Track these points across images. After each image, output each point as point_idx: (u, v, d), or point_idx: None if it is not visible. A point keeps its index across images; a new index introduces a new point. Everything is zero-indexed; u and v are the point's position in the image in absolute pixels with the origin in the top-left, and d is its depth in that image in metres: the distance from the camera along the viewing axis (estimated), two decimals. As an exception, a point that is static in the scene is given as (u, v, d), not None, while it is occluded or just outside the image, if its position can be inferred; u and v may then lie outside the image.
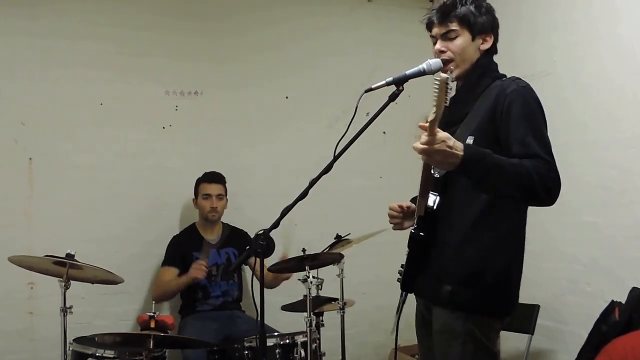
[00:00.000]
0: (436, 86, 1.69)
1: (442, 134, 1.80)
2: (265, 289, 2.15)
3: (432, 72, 2.09)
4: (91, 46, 4.09)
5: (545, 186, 1.87)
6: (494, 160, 1.85)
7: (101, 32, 4.11)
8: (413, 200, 2.31)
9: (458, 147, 1.82)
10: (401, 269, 2.18)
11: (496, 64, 2.22)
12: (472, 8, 2.14)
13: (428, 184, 2.01)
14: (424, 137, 1.80)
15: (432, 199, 2.04)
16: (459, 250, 2.05)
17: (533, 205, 2.05)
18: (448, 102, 1.74)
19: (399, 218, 2.24)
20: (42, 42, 3.98)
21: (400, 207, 2.23)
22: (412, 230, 2.07)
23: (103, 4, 4.13)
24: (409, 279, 2.14)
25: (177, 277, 3.89)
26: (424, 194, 2.01)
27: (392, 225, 2.28)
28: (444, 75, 1.70)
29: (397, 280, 2.19)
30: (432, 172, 2.03)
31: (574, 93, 3.59)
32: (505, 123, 1.99)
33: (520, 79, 2.09)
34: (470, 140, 2.02)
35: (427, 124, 1.77)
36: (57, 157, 4.00)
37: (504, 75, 2.17)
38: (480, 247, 2.04)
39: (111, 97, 4.13)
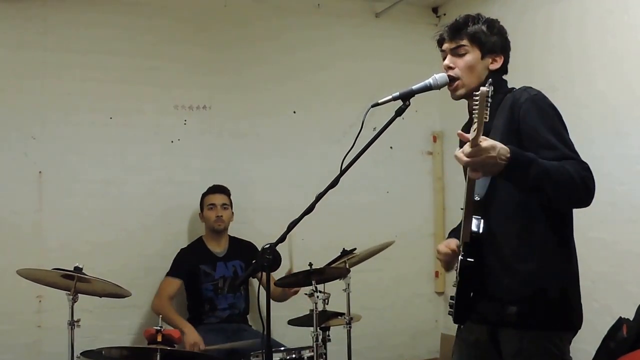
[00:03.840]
0: (476, 100, 1.66)
1: (486, 144, 1.75)
2: (272, 303, 2.15)
3: (438, 87, 2.10)
4: (101, 60, 4.14)
5: (586, 186, 1.88)
6: (540, 164, 1.82)
7: (111, 46, 4.17)
8: (451, 233, 2.31)
9: (503, 153, 1.78)
10: (451, 301, 2.12)
11: (505, 81, 2.20)
12: (483, 27, 2.14)
13: (471, 209, 1.99)
14: (467, 148, 1.75)
15: (476, 223, 2.01)
16: (513, 270, 2.01)
17: (571, 207, 2.03)
18: (488, 117, 1.70)
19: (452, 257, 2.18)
20: (53, 56, 4.04)
21: (452, 250, 2.15)
22: (461, 258, 2.04)
23: (113, 19, 4.19)
24: (463, 310, 2.09)
25: (177, 314, 3.91)
26: (468, 220, 1.99)
27: (445, 268, 2.24)
28: (484, 89, 1.67)
29: (449, 314, 2.13)
30: (473, 195, 2.02)
31: (582, 109, 3.60)
32: (526, 132, 1.98)
33: (530, 87, 2.08)
34: None
35: (470, 134, 1.74)
36: (67, 171, 4.04)
37: (514, 89, 2.16)
38: (535, 263, 2.00)
39: (121, 111, 4.18)
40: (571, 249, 2.09)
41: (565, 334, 2.06)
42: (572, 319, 2.05)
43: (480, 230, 2.00)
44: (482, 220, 2.00)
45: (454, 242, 2.17)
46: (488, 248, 2.03)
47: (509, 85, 2.19)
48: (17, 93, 3.97)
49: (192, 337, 3.66)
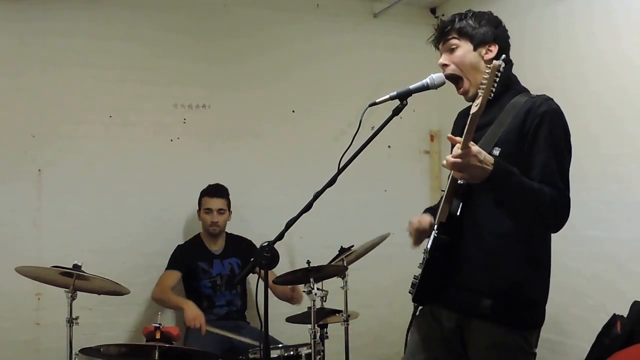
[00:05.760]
0: (487, 73, 1.73)
1: (475, 148, 1.83)
2: (270, 300, 2.17)
3: (435, 86, 2.12)
4: (101, 59, 4.16)
5: (557, 217, 1.96)
6: (520, 181, 1.90)
7: (111, 45, 4.18)
8: (427, 210, 2.33)
9: (488, 161, 1.86)
10: (414, 280, 2.13)
11: (515, 76, 2.21)
12: (470, 21, 2.17)
13: (454, 190, 2.01)
14: (457, 150, 1.83)
15: (455, 205, 2.04)
16: (493, 262, 2.04)
17: (536, 226, 2.06)
18: (492, 94, 1.76)
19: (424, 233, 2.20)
20: (53, 55, 4.05)
21: (424, 229, 2.18)
22: (435, 235, 2.06)
23: (113, 18, 4.21)
24: (426, 291, 2.09)
25: (177, 295, 3.95)
26: (449, 200, 2.02)
27: (412, 242, 2.23)
28: (496, 62, 1.74)
29: (409, 292, 2.13)
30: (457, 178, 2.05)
31: (577, 109, 3.62)
32: (531, 143, 2.00)
33: (552, 99, 2.08)
34: (496, 151, 2.02)
35: (460, 138, 1.80)
36: (66, 169, 4.05)
37: (526, 89, 2.17)
38: (516, 259, 2.03)
39: (120, 109, 4.19)
40: (549, 249, 2.13)
41: (537, 331, 2.11)
42: (539, 316, 2.10)
43: (458, 213, 2.04)
44: (461, 204, 2.04)
45: (427, 220, 2.20)
46: (468, 234, 2.06)
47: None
48: (17, 91, 3.98)
49: (192, 312, 3.71)
